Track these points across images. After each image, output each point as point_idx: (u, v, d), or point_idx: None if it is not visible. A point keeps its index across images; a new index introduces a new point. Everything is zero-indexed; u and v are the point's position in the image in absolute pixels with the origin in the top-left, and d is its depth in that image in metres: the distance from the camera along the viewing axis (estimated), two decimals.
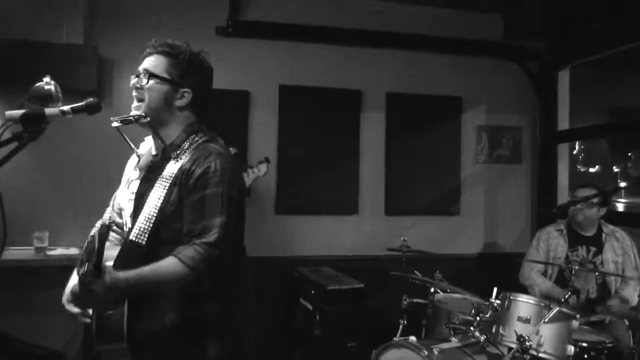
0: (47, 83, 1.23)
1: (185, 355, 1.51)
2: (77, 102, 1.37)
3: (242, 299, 1.62)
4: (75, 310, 1.49)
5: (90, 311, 1.49)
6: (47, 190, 3.49)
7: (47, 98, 1.24)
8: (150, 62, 1.56)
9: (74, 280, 1.54)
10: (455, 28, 4.17)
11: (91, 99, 1.37)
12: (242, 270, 1.63)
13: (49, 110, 1.22)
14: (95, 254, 1.16)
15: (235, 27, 3.73)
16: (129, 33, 3.59)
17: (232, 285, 1.59)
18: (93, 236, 1.18)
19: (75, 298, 1.36)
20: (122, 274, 1.33)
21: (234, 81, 3.82)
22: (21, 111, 1.19)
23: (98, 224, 1.75)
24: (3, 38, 3.21)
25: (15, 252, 3.28)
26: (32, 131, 1.19)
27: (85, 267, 1.16)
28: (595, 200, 3.00)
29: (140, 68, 1.56)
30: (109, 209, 1.79)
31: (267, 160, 3.47)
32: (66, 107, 1.30)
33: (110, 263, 1.43)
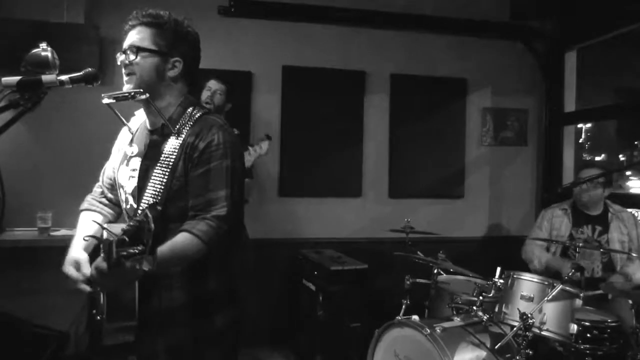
0: (44, 49, 1.20)
1: (192, 327, 1.52)
2: (79, 82, 1.34)
3: (245, 270, 1.62)
4: (77, 274, 1.46)
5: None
6: (51, 171, 3.50)
7: (44, 65, 1.21)
8: (135, 35, 1.51)
9: (77, 249, 1.53)
10: (461, 8, 4.12)
11: (89, 69, 1.34)
12: (245, 243, 1.63)
13: (45, 77, 1.20)
14: (151, 236, 1.12)
15: (238, 7, 3.69)
16: (129, 13, 3.55)
17: (237, 258, 1.59)
18: (145, 218, 1.13)
19: (101, 276, 1.27)
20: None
21: (236, 62, 3.79)
22: (17, 77, 1.17)
23: (89, 198, 1.75)
24: (3, 17, 3.19)
25: (19, 233, 3.30)
26: (29, 98, 1.17)
27: (131, 250, 1.10)
28: (600, 180, 2.98)
29: (126, 44, 1.52)
30: (98, 183, 1.77)
31: (268, 137, 3.19)
32: (64, 77, 1.28)
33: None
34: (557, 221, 3.18)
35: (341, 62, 4.02)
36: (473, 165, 4.33)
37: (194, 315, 1.51)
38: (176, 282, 1.50)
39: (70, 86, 1.31)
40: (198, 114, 1.54)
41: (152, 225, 1.10)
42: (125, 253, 1.09)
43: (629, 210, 3.20)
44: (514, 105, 4.40)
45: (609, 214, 3.11)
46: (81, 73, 1.33)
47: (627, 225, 3.07)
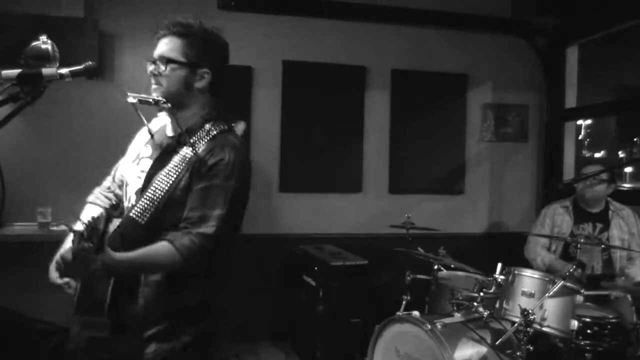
0: (44, 42, 1.19)
1: (161, 336, 1.50)
2: (79, 78, 1.32)
3: (223, 284, 1.60)
4: (59, 281, 1.50)
5: (74, 282, 1.50)
6: (51, 166, 3.49)
7: (44, 58, 1.20)
8: (165, 45, 1.51)
9: (64, 250, 1.54)
10: (463, 3, 4.09)
11: (89, 63, 1.33)
12: (228, 253, 1.60)
13: (46, 70, 1.19)
14: (98, 235, 1.18)
15: (238, 1, 3.66)
16: (129, 7, 3.55)
17: (218, 274, 1.57)
18: (99, 217, 1.19)
19: (65, 266, 1.32)
20: (118, 256, 1.31)
21: (236, 56, 3.65)
22: (17, 70, 1.16)
23: (96, 190, 1.76)
24: (2, 11, 3.17)
25: (19, 228, 3.30)
26: (29, 91, 1.16)
27: (86, 244, 1.17)
28: (603, 176, 2.97)
29: (156, 53, 1.52)
30: (109, 178, 1.77)
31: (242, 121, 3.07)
32: (64, 70, 1.27)
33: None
34: (558, 218, 3.17)
35: (342, 57, 4.00)
36: (473, 161, 4.33)
37: (169, 324, 1.50)
38: (154, 289, 1.49)
39: (71, 79, 1.30)
40: (216, 131, 1.53)
41: (101, 227, 1.15)
42: (79, 247, 1.16)
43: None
44: (515, 101, 4.39)
45: (610, 212, 3.10)
46: (81, 66, 1.31)
47: (628, 222, 3.07)
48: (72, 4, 3.32)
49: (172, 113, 1.53)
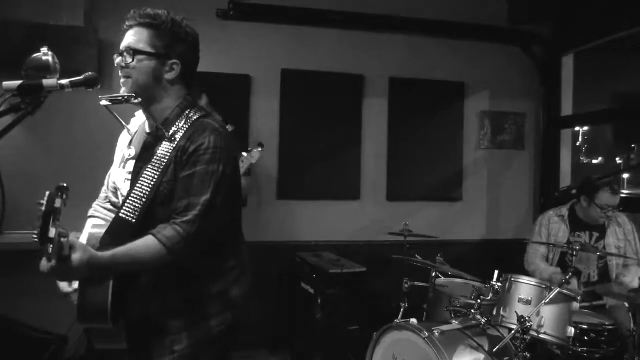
0: (45, 54, 1.21)
1: (187, 332, 1.49)
2: (79, 86, 1.34)
3: (240, 275, 1.60)
4: (68, 289, 1.50)
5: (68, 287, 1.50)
6: (50, 174, 3.49)
7: (45, 69, 1.22)
8: (132, 37, 1.49)
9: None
10: (460, 12, 4.14)
11: (90, 73, 1.35)
12: (238, 247, 1.61)
13: (46, 82, 1.21)
14: (41, 219, 1.14)
15: (237, 10, 3.69)
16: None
17: (232, 263, 1.57)
18: (44, 201, 1.15)
19: (50, 273, 1.27)
20: (98, 252, 1.28)
21: (235, 65, 3.80)
22: (18, 82, 1.18)
23: (94, 204, 1.75)
24: (2, 20, 3.20)
25: (18, 237, 3.29)
26: (30, 102, 1.18)
27: (44, 246, 1.15)
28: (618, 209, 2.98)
29: (123, 45, 1.50)
30: (104, 188, 1.76)
31: (261, 145, 3.18)
32: (65, 81, 1.29)
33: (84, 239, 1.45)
34: (554, 227, 3.17)
35: (340, 65, 4.03)
36: (471, 168, 4.35)
37: (188, 319, 1.50)
38: (168, 286, 1.48)
39: (71, 90, 1.32)
40: (195, 117, 1.51)
41: (43, 208, 1.12)
42: (36, 239, 1.14)
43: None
44: (512, 109, 4.42)
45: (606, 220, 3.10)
46: (82, 77, 1.33)
47: (624, 229, 3.07)
48: (72, 13, 3.35)
49: (144, 108, 1.51)
